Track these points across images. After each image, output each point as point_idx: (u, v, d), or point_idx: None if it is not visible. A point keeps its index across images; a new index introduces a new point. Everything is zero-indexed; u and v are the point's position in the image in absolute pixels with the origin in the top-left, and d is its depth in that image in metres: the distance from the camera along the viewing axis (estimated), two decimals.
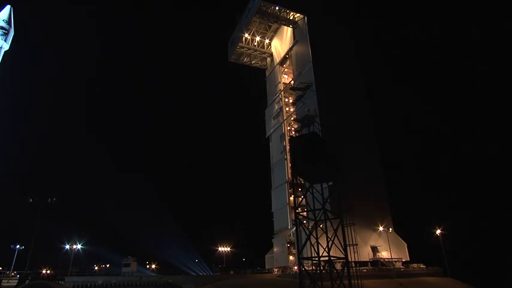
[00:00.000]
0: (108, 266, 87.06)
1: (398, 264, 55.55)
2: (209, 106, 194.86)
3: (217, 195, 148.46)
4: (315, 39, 69.10)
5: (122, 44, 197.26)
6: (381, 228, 57.67)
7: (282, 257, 63.22)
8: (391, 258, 55.16)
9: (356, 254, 31.92)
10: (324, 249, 29.39)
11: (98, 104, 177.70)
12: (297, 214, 32.84)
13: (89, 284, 46.54)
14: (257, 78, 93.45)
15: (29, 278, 45.68)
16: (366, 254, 54.41)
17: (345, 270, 29.18)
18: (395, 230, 60.18)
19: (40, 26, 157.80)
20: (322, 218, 31.06)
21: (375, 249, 56.44)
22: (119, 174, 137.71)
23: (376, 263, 54.42)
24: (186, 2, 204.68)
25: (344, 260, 29.57)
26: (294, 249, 61.08)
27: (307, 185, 33.77)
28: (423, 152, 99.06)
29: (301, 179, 34.40)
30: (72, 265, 61.34)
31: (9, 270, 57.49)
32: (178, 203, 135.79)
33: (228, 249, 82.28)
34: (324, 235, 30.73)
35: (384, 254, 55.93)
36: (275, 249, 67.08)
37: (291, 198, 66.18)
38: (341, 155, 35.92)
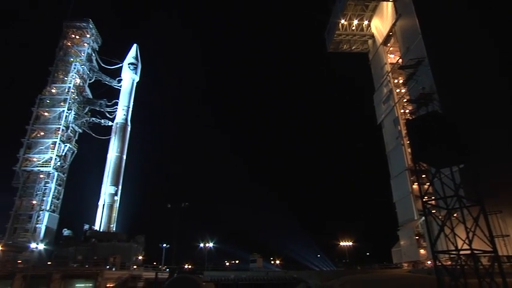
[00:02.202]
0: (237, 262, 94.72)
1: None
2: (311, 102, 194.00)
3: (334, 189, 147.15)
4: (422, 8, 61.38)
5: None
6: None
7: (411, 251, 58.22)
8: None
9: (508, 247, 26.91)
10: (464, 242, 25.64)
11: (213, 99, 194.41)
12: (424, 203, 29.51)
13: (223, 278, 51.52)
14: (359, 64, 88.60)
15: (176, 271, 53.10)
16: None
17: (495, 266, 24.84)
18: None
19: (160, 55, 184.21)
20: (457, 206, 27.17)
21: None
22: (241, 177, 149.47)
23: None
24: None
25: (492, 254, 25.21)
26: (423, 241, 55.74)
27: (433, 170, 30.07)
28: None
29: (424, 165, 30.88)
30: (207, 261, 69.33)
31: (161, 265, 68.55)
32: (297, 200, 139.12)
33: (350, 243, 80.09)
34: (460, 225, 26.83)
35: None
36: (402, 243, 62.23)
37: (414, 186, 60.39)
38: (472, 132, 30.95)
